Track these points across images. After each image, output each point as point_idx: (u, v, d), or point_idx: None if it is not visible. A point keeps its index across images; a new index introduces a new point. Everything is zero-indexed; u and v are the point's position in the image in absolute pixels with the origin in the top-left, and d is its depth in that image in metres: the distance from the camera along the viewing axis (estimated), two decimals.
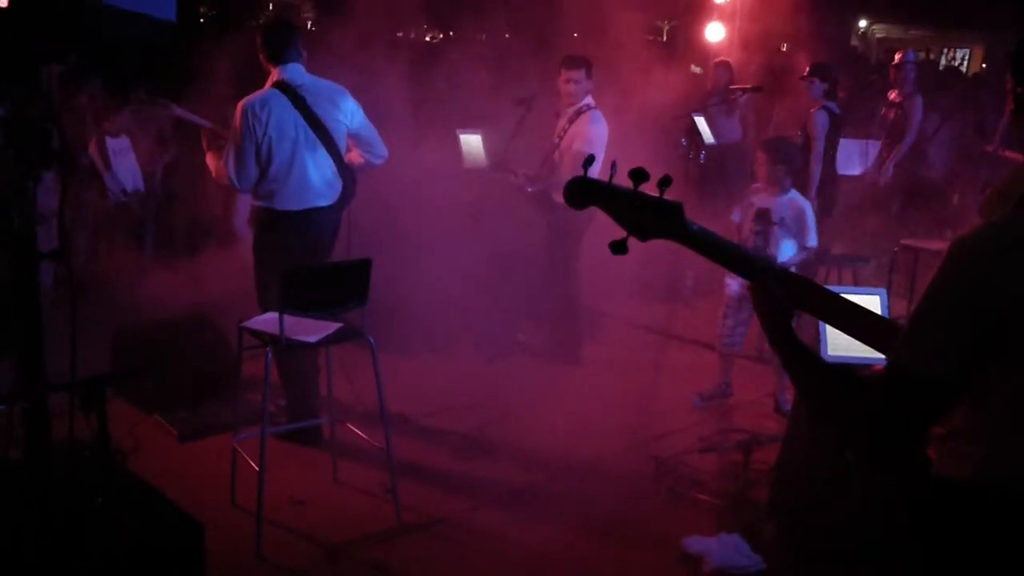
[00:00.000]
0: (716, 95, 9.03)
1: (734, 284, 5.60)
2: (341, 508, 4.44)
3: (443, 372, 6.15)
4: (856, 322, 1.96)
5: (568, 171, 5.98)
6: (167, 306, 5.85)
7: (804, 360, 1.93)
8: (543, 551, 4.14)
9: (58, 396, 2.87)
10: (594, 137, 6.06)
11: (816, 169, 7.30)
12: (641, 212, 1.92)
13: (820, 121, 7.29)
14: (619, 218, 1.94)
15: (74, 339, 2.68)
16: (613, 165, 1.97)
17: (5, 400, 3.48)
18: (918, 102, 8.21)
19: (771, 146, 5.67)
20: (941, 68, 16.55)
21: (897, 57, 8.66)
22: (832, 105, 7.42)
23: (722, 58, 9.56)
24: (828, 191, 7.43)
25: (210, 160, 4.95)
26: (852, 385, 1.82)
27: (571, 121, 6.18)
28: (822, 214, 7.37)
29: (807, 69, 7.48)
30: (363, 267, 4.31)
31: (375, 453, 4.51)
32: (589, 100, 6.24)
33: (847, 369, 1.86)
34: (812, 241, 5.38)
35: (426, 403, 5.57)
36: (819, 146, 7.30)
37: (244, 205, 6.96)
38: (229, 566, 3.82)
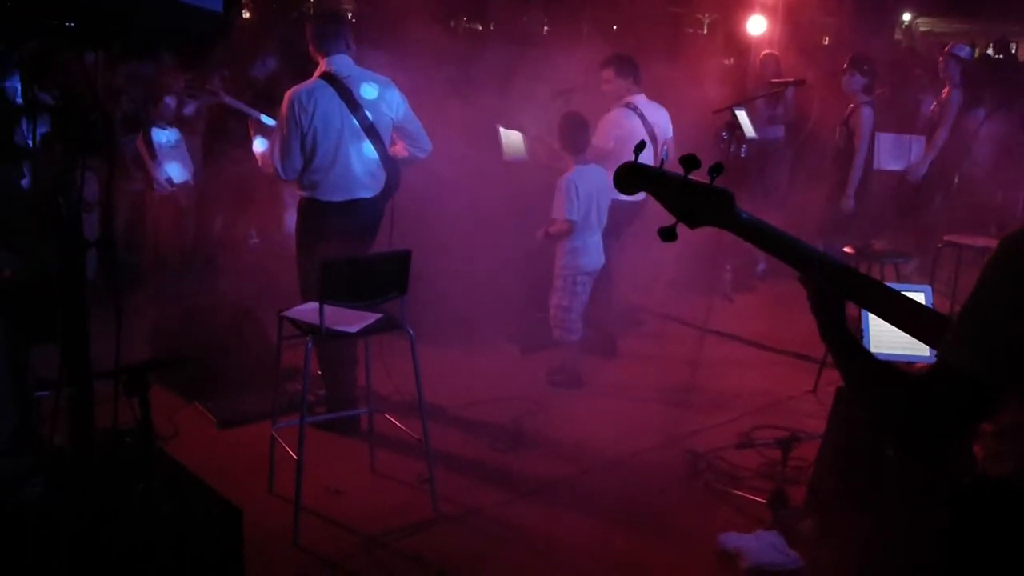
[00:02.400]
0: (764, 88, 8.94)
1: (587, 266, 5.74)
2: (378, 498, 4.46)
3: (480, 364, 6.17)
4: (905, 314, 1.93)
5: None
6: (208, 294, 5.91)
7: (853, 354, 1.92)
8: (578, 544, 4.13)
9: (101, 382, 2.90)
10: (605, 131, 6.11)
11: (858, 168, 7.20)
12: (691, 199, 1.90)
13: (866, 118, 7.18)
14: (668, 204, 1.92)
15: (119, 326, 2.70)
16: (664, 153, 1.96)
17: (50, 386, 3.52)
18: (953, 97, 8.05)
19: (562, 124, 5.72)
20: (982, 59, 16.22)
21: (945, 50, 8.53)
22: (872, 99, 7.32)
23: (769, 51, 9.44)
24: (864, 187, 7.33)
25: (256, 149, 4.98)
26: (899, 381, 1.80)
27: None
28: (857, 210, 7.28)
29: (846, 63, 7.38)
30: (403, 258, 4.32)
31: (412, 444, 4.52)
32: (628, 98, 6.26)
33: (893, 365, 1.84)
34: (555, 213, 5.56)
35: (463, 395, 5.58)
36: (864, 144, 7.19)
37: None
38: (266, 553, 3.84)
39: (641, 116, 6.23)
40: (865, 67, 7.22)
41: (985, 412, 1.72)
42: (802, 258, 1.96)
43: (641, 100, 6.32)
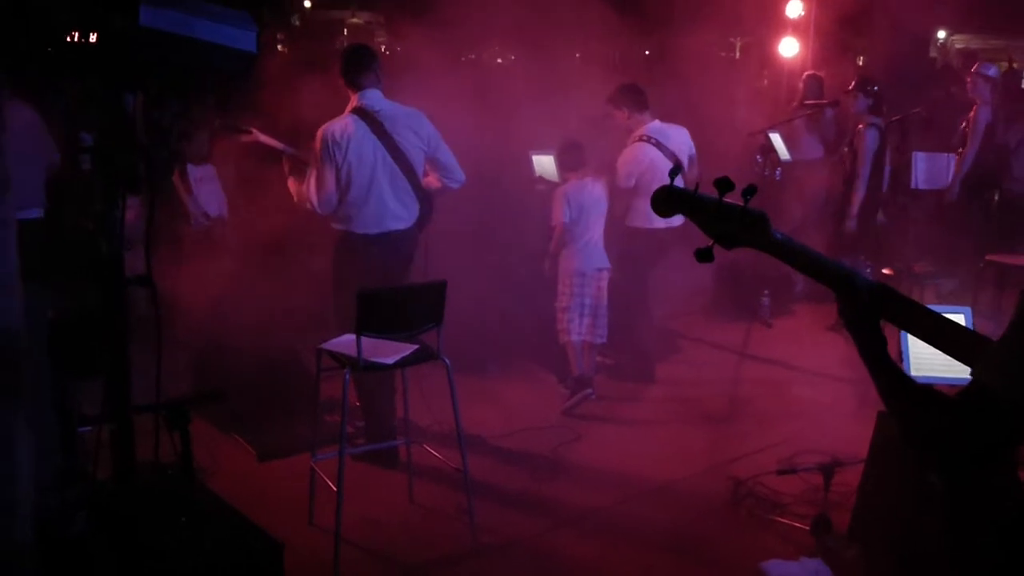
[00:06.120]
0: (799, 110, 8.91)
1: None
2: (417, 528, 4.46)
3: (518, 393, 6.16)
4: (943, 334, 1.92)
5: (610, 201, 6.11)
6: (246, 328, 5.95)
7: (889, 374, 1.90)
8: (619, 573, 4.10)
9: (143, 416, 2.94)
10: (624, 172, 6.13)
11: (860, 189, 7.23)
12: (726, 221, 1.91)
13: (869, 140, 7.20)
14: (704, 226, 1.94)
15: (159, 361, 2.74)
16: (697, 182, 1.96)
17: (93, 421, 3.57)
18: (981, 115, 7.97)
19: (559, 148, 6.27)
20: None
21: (972, 69, 8.45)
22: (878, 120, 7.28)
23: (812, 72, 9.40)
24: (872, 207, 7.33)
25: (291, 185, 5.05)
26: (934, 401, 1.78)
27: None
28: (861, 232, 7.26)
29: (852, 83, 7.40)
30: (439, 289, 4.34)
31: (451, 474, 4.52)
32: (641, 130, 6.19)
33: (930, 387, 1.83)
34: (552, 221, 5.96)
35: (501, 424, 5.58)
36: (866, 168, 7.22)
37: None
38: None
39: (658, 144, 6.11)
40: (869, 88, 7.23)
41: (1021, 435, 1.70)
42: (838, 277, 1.95)
43: (655, 127, 6.19)
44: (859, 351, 1.96)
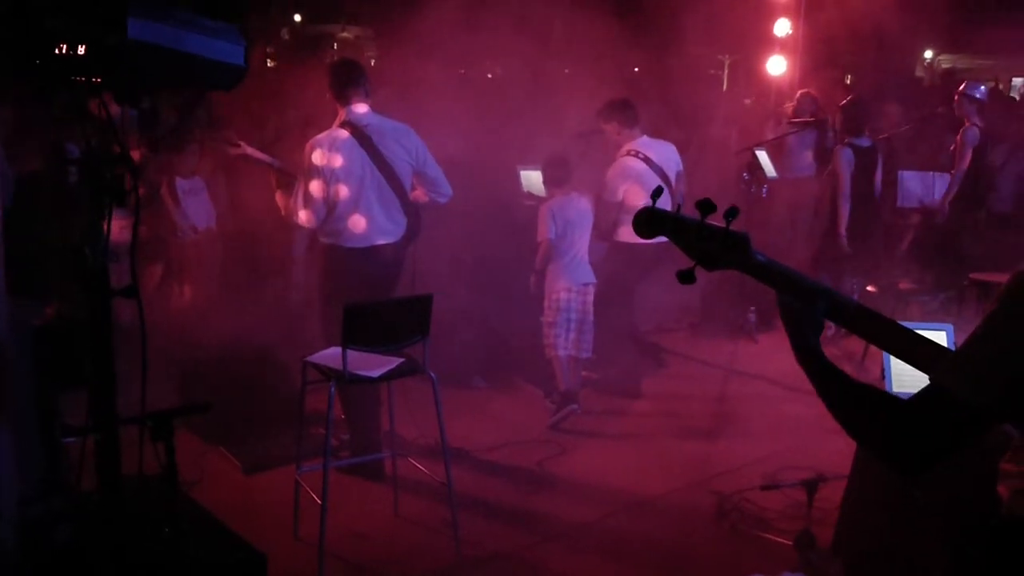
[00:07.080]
0: (787, 127, 8.96)
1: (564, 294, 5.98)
2: (402, 542, 4.45)
3: (504, 407, 6.17)
4: (922, 354, 1.94)
5: (597, 216, 6.16)
6: (233, 340, 5.94)
7: (826, 373, 1.94)
8: None
9: (127, 428, 2.93)
10: (612, 186, 6.19)
11: (844, 207, 7.43)
12: (708, 242, 1.93)
13: (843, 159, 7.43)
14: (686, 248, 1.96)
15: (144, 373, 2.74)
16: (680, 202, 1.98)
17: (78, 432, 3.56)
18: (969, 136, 8.04)
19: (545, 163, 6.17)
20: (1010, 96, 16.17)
21: (960, 89, 8.52)
22: (860, 140, 7.41)
23: (806, 90, 9.46)
24: (863, 226, 7.44)
25: (279, 198, 5.06)
26: (881, 402, 1.80)
27: None
28: (854, 250, 7.38)
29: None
30: (425, 303, 4.35)
31: (436, 487, 4.53)
32: (629, 145, 6.25)
33: (873, 386, 1.86)
34: (538, 238, 5.95)
35: (487, 438, 5.58)
36: (845, 185, 7.43)
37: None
38: None
39: (647, 160, 6.18)
40: (848, 109, 7.41)
41: (976, 437, 1.71)
42: (817, 296, 1.98)
43: (644, 142, 6.26)
44: (795, 350, 2.00)
